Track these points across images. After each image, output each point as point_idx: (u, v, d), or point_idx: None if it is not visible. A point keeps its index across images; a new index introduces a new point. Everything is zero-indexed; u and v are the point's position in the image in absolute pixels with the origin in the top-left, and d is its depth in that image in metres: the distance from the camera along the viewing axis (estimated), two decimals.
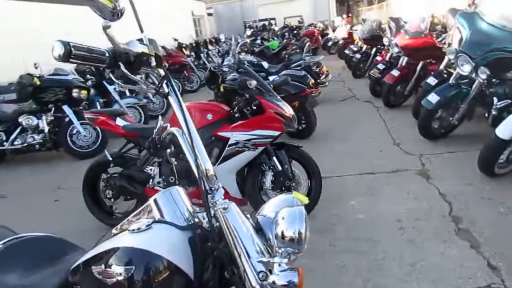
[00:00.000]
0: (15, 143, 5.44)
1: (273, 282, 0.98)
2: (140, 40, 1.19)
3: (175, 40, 12.22)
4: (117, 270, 1.09)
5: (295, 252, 0.99)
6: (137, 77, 1.17)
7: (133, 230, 1.16)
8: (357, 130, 5.44)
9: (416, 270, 2.40)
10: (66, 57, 1.05)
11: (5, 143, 5.43)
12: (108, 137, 5.52)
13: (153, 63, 1.18)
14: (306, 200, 1.18)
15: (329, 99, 7.40)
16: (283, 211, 1.02)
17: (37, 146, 5.42)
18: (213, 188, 1.16)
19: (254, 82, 3.04)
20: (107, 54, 1.13)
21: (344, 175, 3.94)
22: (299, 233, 0.97)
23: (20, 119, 5.40)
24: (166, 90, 1.21)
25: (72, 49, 1.05)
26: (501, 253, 2.45)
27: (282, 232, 0.98)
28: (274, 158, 3.07)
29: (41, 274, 1.32)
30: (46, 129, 5.38)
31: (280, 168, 3.07)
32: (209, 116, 3.07)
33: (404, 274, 2.38)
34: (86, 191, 3.40)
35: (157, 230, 1.16)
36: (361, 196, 3.47)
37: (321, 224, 3.07)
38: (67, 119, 5.42)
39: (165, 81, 1.21)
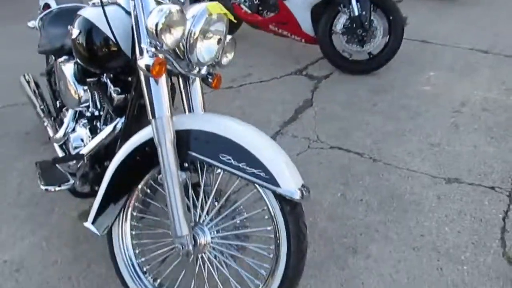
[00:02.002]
0: None
1: (145, 66, 1.18)
2: None
3: None
4: (72, 30, 1.44)
5: (159, 46, 1.14)
6: None
7: (93, 3, 1.46)
8: None
9: (431, 150, 2.26)
10: None
11: None
12: None
13: None
14: (216, 11, 1.24)
15: None
16: (161, 5, 1.13)
17: None
18: None
19: None
20: None
21: (449, 45, 3.45)
22: (156, 26, 1.09)
23: None
24: None
25: None
26: None
27: (149, 22, 1.11)
28: (354, 1, 2.85)
29: None
30: None
31: (356, 13, 2.86)
32: None
33: (416, 150, 2.27)
34: None
35: (109, 9, 1.41)
36: (446, 70, 3.09)
37: (379, 83, 2.94)
38: None
39: None
